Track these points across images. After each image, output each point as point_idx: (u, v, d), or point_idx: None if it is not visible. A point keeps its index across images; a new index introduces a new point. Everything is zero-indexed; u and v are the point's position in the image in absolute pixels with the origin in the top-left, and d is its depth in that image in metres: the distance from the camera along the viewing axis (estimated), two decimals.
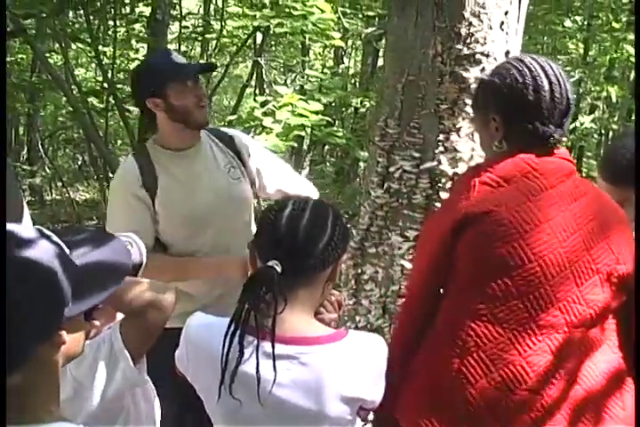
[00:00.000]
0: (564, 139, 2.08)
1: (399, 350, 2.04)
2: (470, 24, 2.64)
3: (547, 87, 2.00)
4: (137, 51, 9.65)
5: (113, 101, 8.26)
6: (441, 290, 2.05)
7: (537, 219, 1.93)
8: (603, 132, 16.54)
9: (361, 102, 9.26)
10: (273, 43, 11.61)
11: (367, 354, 1.86)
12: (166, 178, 2.73)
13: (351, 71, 12.65)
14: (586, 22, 12.28)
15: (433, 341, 2.00)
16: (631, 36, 11.90)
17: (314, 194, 2.87)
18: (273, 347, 1.73)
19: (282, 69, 13.69)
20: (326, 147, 11.63)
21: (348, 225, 2.32)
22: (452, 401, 1.93)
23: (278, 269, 1.75)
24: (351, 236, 1.91)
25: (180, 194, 2.73)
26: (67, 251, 1.34)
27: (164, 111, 2.72)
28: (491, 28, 2.67)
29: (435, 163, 2.66)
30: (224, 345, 1.74)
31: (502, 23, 2.70)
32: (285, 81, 13.05)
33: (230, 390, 1.75)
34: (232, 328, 1.75)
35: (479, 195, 1.98)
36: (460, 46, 2.64)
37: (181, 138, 2.79)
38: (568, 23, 11.34)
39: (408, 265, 2.66)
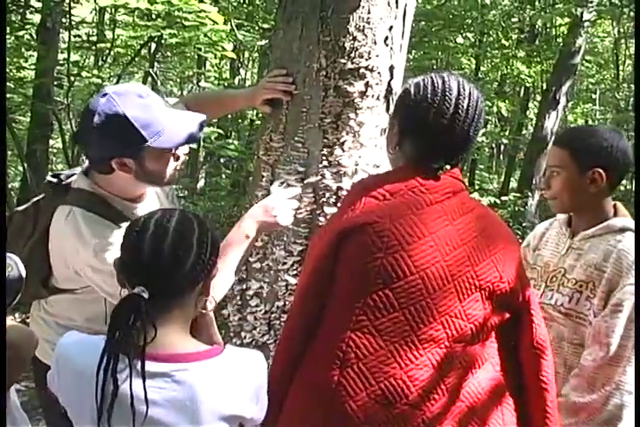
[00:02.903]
0: (448, 167, 2.06)
1: (282, 365, 2.02)
2: (355, 38, 2.64)
3: (450, 115, 1.98)
4: (26, 59, 9.38)
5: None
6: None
7: (420, 232, 1.92)
8: (494, 145, 17.02)
9: (257, 115, 9.25)
10: (169, 54, 11.49)
11: (244, 370, 1.83)
12: None
13: (248, 83, 12.63)
14: (477, 39, 12.62)
15: (314, 353, 1.97)
16: (521, 54, 12.30)
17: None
18: (143, 372, 1.69)
19: (178, 81, 13.55)
20: (222, 159, 11.56)
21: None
22: (332, 414, 1.89)
23: (145, 295, 1.72)
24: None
25: None
26: None
27: (132, 172, 2.34)
28: (375, 42, 2.67)
29: (319, 177, 2.63)
30: (97, 380, 1.69)
31: (387, 38, 2.70)
32: (182, 92, 12.94)
33: (109, 420, 1.70)
34: (104, 363, 1.69)
35: (365, 207, 1.97)
36: (344, 60, 2.63)
37: (139, 190, 2.50)
38: (460, 39, 11.63)
39: (292, 281, 2.63)
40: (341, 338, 1.90)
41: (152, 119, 2.28)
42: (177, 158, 2.42)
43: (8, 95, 8.28)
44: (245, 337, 2.77)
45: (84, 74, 8.43)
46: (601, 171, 2.39)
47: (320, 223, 2.61)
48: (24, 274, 2.07)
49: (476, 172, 13.87)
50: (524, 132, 15.30)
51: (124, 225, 2.35)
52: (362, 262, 1.91)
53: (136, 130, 2.26)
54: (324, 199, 2.64)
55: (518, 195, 11.02)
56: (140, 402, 1.68)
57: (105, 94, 2.30)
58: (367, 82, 2.66)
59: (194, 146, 7.73)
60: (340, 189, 2.63)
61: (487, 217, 2.08)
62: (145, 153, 2.31)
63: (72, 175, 2.57)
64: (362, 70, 2.65)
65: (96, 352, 1.71)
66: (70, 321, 2.53)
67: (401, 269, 1.89)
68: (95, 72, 8.51)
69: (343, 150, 2.65)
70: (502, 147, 17.93)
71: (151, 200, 2.59)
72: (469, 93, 2.02)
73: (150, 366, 1.71)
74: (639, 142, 2.44)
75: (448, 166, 2.05)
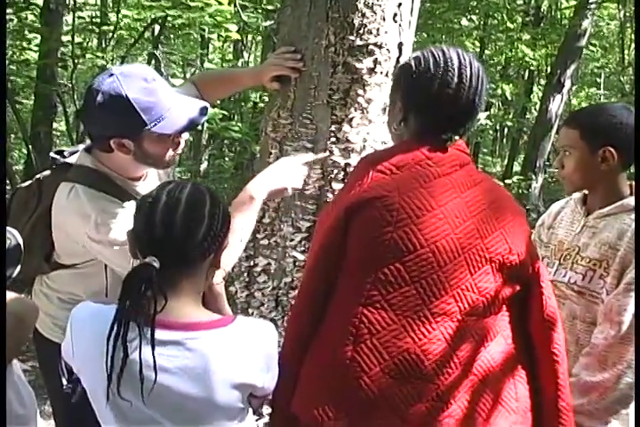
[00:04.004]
0: (457, 137, 2.06)
1: (293, 343, 2.02)
2: (363, 15, 2.63)
3: (454, 85, 1.98)
4: (30, 41, 9.34)
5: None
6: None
7: (429, 205, 1.92)
8: (498, 128, 16.99)
9: (260, 97, 9.23)
10: (172, 36, 11.46)
11: (256, 339, 1.84)
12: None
13: (251, 66, 12.59)
14: (482, 22, 12.56)
15: (325, 329, 1.97)
16: (526, 37, 12.24)
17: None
18: (153, 340, 1.70)
19: (181, 63, 13.52)
20: (225, 141, 11.55)
21: None
22: (345, 389, 1.89)
23: (156, 265, 1.72)
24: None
25: None
26: None
27: (131, 153, 2.37)
28: (384, 19, 2.66)
29: (327, 153, 2.64)
30: (108, 347, 1.70)
31: (395, 15, 2.69)
32: (184, 75, 12.89)
33: (118, 388, 1.71)
34: (115, 331, 1.70)
35: (372, 182, 1.97)
36: (352, 37, 2.62)
37: (139, 170, 2.51)
38: (465, 22, 11.58)
39: (300, 257, 2.64)
40: (353, 314, 1.90)
41: (154, 104, 2.29)
42: (177, 144, 2.43)
43: (11, 77, 8.25)
44: (253, 314, 2.78)
45: (87, 56, 8.40)
46: (611, 149, 2.37)
47: (328, 200, 2.61)
48: (22, 244, 2.10)
49: (479, 155, 13.85)
50: (527, 115, 15.28)
51: (126, 201, 2.37)
52: (372, 237, 1.90)
53: (137, 113, 2.27)
54: (332, 176, 2.64)
55: (522, 177, 11.01)
56: (150, 370, 1.69)
57: (111, 74, 2.31)
58: (376, 58, 2.65)
59: (198, 127, 7.73)
60: (348, 165, 2.63)
61: (495, 190, 2.08)
62: (144, 136, 2.33)
63: (75, 152, 2.58)
64: (370, 47, 2.64)
65: (109, 321, 1.71)
66: (72, 295, 2.54)
67: (411, 242, 1.88)
68: (99, 54, 8.48)
69: (351, 127, 2.65)
70: (505, 130, 17.90)
71: (152, 179, 2.59)
72: (470, 62, 2.02)
73: (162, 334, 1.72)
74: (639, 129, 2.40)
75: (457, 137, 2.05)
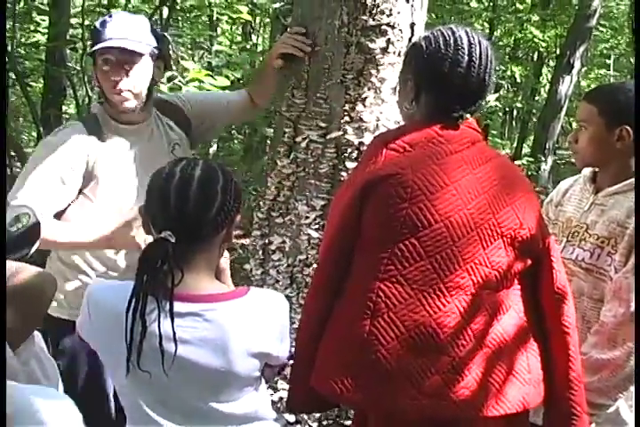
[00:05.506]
0: (468, 115, 2.09)
1: (310, 320, 2.07)
2: None
3: (465, 64, 2.01)
4: (38, 24, 9.34)
5: (14, 77, 7.98)
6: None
7: (442, 181, 1.95)
8: (507, 110, 16.96)
9: None
10: (180, 18, 11.43)
11: (270, 310, 1.90)
12: (112, 153, 2.59)
13: (259, 48, 12.57)
14: (491, 3, 12.51)
15: (343, 305, 2.01)
16: (535, 18, 12.20)
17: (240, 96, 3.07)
18: (172, 313, 1.74)
19: (189, 46, 13.49)
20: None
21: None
22: (363, 363, 1.94)
23: (172, 239, 1.76)
24: (243, 195, 1.92)
25: (121, 172, 2.60)
26: None
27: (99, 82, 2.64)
28: None
29: (341, 133, 2.67)
30: (126, 321, 1.74)
31: None
32: (193, 58, 12.88)
33: (138, 361, 1.75)
34: (133, 304, 1.74)
35: (386, 160, 2.00)
36: (365, 17, 2.65)
37: (122, 105, 2.61)
38: (474, 3, 11.54)
39: (315, 234, 2.68)
40: (371, 288, 1.94)
41: (101, 32, 2.53)
42: (114, 82, 2.55)
43: (20, 60, 8.26)
44: None
45: None
46: (629, 128, 2.37)
47: (342, 178, 2.65)
48: (40, 222, 2.12)
49: (489, 138, 13.81)
50: (537, 97, 15.23)
51: (102, 140, 2.59)
52: (387, 213, 1.94)
53: (92, 37, 2.60)
54: (346, 154, 2.68)
55: (531, 159, 11.00)
56: (170, 341, 1.74)
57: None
58: (388, 38, 2.68)
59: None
60: (361, 144, 2.66)
61: (506, 166, 2.12)
62: (97, 63, 2.58)
63: None
64: (383, 27, 2.67)
65: (127, 295, 1.75)
66: (70, 254, 2.62)
67: (426, 218, 1.92)
68: None
69: (365, 106, 2.68)
70: (515, 112, 17.85)
71: (149, 135, 2.71)
72: (479, 41, 2.05)
73: (180, 306, 1.76)
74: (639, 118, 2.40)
75: (468, 115, 2.08)
